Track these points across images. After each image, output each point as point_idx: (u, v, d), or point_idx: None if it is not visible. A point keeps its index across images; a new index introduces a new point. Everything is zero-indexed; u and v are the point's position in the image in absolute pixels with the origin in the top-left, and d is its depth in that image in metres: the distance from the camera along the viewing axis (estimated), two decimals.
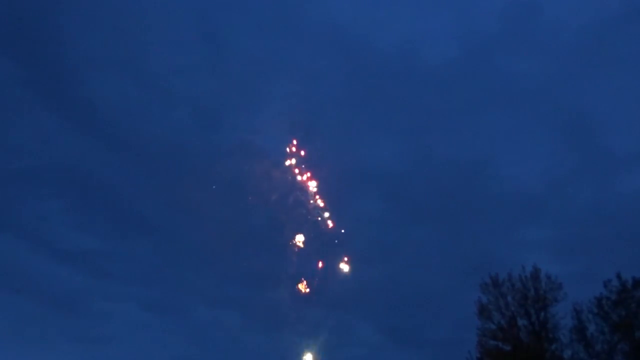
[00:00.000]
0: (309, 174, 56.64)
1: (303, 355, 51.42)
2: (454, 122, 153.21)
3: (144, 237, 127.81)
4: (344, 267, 50.84)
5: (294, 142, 55.05)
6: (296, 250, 53.64)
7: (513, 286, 41.31)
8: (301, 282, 51.88)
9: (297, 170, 55.50)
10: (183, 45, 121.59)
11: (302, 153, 56.15)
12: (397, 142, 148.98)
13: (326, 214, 51.72)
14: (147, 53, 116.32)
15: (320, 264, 51.48)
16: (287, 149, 55.81)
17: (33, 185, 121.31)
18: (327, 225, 51.29)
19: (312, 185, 54.63)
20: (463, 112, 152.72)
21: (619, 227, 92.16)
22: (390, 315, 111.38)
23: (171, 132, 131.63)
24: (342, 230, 50.42)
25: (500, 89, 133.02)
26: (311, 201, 54.12)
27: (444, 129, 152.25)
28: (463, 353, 45.17)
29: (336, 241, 51.82)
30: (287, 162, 55.51)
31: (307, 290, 51.22)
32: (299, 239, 52.81)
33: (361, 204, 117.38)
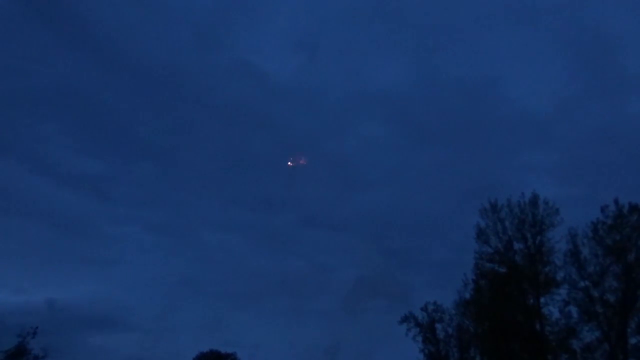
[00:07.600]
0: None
1: None
2: (461, 39, 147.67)
3: (146, 160, 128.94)
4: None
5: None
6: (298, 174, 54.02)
7: (511, 211, 42.06)
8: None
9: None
10: None
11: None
12: (402, 62, 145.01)
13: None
14: None
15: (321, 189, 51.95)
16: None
17: (30, 108, 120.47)
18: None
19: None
20: (470, 29, 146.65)
21: (625, 151, 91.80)
22: (390, 238, 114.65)
23: (170, 53, 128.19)
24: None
25: (510, 4, 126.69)
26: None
27: (450, 47, 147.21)
28: (460, 275, 47.01)
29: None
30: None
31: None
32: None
33: (364, 127, 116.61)
